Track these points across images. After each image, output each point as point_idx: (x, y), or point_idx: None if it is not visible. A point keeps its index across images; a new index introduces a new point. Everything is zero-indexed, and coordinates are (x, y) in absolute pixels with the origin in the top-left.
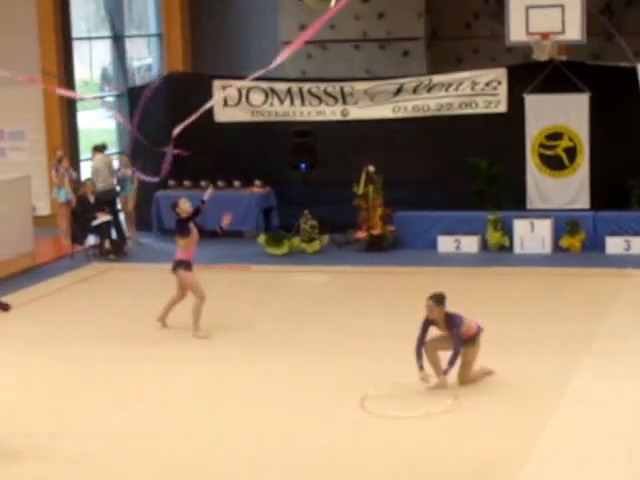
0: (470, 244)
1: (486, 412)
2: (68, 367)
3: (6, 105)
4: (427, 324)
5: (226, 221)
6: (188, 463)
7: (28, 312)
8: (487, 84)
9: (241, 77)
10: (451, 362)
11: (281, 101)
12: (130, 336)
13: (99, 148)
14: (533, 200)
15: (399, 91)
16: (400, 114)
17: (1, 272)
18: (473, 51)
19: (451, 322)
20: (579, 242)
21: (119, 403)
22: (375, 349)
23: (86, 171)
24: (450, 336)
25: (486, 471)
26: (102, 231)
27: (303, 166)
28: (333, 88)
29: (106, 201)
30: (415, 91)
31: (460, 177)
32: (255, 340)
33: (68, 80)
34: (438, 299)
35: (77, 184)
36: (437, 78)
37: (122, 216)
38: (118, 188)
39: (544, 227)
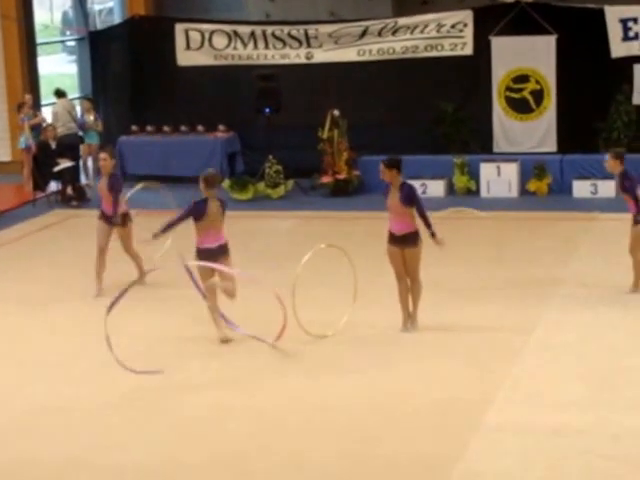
0: (436, 188)
1: (452, 358)
2: (28, 311)
3: None
4: (386, 189)
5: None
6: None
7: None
8: (453, 26)
9: (204, 20)
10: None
11: (244, 44)
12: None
13: (59, 93)
14: (500, 143)
15: (364, 34)
16: (365, 57)
17: None
18: None
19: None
20: (546, 186)
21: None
22: (334, 294)
23: (48, 117)
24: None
25: (452, 414)
26: (64, 177)
27: (267, 110)
28: (297, 31)
29: (68, 146)
30: (380, 34)
31: (426, 120)
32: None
33: (28, 24)
34: (389, 162)
35: (40, 129)
36: (402, 20)
37: (83, 163)
38: (81, 133)
39: (511, 171)
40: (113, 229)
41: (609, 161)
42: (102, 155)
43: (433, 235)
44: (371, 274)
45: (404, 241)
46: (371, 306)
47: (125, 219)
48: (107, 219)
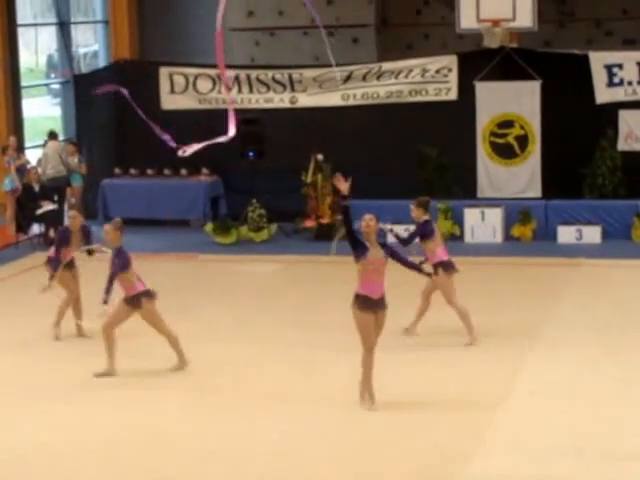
0: None
1: (433, 406)
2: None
3: None
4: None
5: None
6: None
7: None
8: (437, 71)
9: (188, 64)
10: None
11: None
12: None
13: (51, 135)
14: (484, 189)
15: (348, 78)
16: (349, 102)
17: None
18: (424, 37)
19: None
20: (530, 231)
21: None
22: (317, 339)
23: (33, 159)
24: None
25: (434, 463)
26: (47, 220)
27: (251, 154)
28: (282, 75)
29: (54, 189)
30: (364, 78)
31: (410, 165)
32: (200, 330)
33: (13, 67)
34: (419, 202)
35: (24, 171)
36: (387, 65)
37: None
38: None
39: (495, 216)
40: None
41: (413, 209)
42: (71, 213)
43: (429, 274)
44: None
45: (380, 303)
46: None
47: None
48: (70, 265)
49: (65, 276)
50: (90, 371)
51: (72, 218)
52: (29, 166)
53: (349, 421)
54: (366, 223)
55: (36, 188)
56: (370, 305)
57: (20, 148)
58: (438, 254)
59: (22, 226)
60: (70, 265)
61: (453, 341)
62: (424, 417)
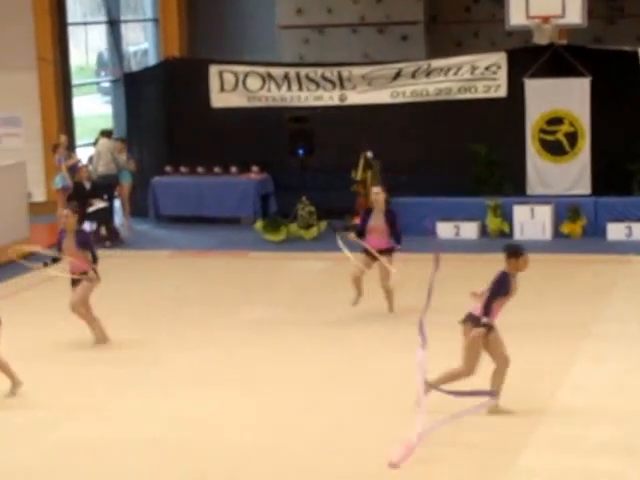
0: (469, 230)
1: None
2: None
3: (1, 91)
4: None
5: None
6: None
7: (23, 299)
8: (487, 68)
9: (238, 62)
10: None
11: (278, 86)
12: (127, 322)
13: (105, 133)
14: (533, 186)
15: (397, 76)
16: (398, 99)
17: None
18: (473, 35)
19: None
20: (580, 228)
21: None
22: (370, 337)
23: (84, 157)
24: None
25: (486, 457)
26: (98, 218)
27: (301, 152)
28: (331, 73)
29: (105, 186)
30: (414, 76)
31: (459, 162)
32: (248, 327)
33: (64, 66)
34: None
35: (75, 170)
36: (436, 63)
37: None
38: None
39: (544, 213)
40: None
41: (379, 194)
42: (65, 212)
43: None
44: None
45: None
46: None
47: (86, 276)
48: (76, 279)
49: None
50: (132, 372)
51: (65, 217)
52: (79, 164)
53: (398, 420)
54: None
55: (87, 186)
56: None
57: (70, 146)
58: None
59: None
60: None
61: (507, 336)
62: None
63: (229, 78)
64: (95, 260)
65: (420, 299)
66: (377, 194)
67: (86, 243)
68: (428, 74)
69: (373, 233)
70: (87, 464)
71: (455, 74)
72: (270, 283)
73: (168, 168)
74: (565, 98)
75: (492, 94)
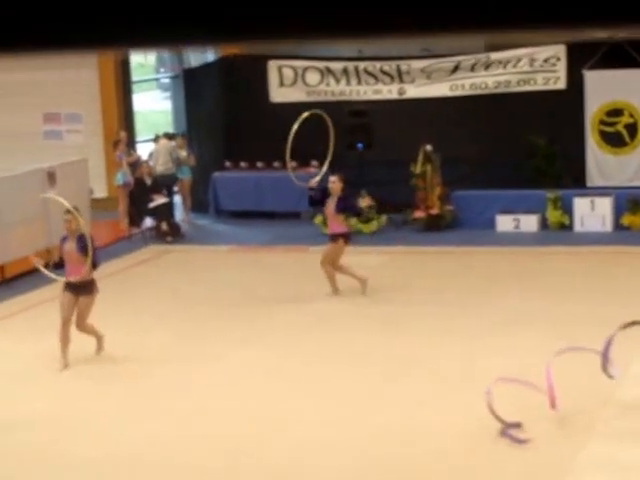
0: (529, 223)
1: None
2: (131, 352)
3: (62, 88)
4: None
5: None
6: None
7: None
8: (546, 60)
9: (297, 56)
10: None
11: (337, 80)
12: (189, 318)
13: (167, 135)
14: (593, 178)
15: (456, 69)
16: (458, 92)
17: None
18: None
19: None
20: None
21: (171, 384)
22: (428, 329)
23: (144, 153)
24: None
25: (544, 452)
26: (159, 213)
27: (360, 146)
28: (389, 67)
29: (164, 184)
30: (473, 69)
31: (519, 155)
32: (312, 320)
33: (123, 62)
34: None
35: (136, 166)
36: (495, 55)
37: (177, 199)
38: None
39: (604, 205)
40: (79, 298)
41: (336, 182)
42: (66, 217)
43: None
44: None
45: None
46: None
47: (92, 287)
48: (73, 288)
49: (65, 295)
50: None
51: (67, 221)
52: (141, 160)
53: (470, 415)
54: None
55: (148, 182)
56: None
57: (131, 143)
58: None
59: (135, 220)
60: (75, 286)
61: (567, 329)
62: (535, 409)
63: (288, 73)
64: (95, 266)
65: (478, 290)
66: (333, 182)
67: (87, 248)
68: (487, 67)
69: (328, 219)
70: (152, 458)
71: (514, 66)
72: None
73: (228, 163)
74: (625, 89)
75: (551, 86)
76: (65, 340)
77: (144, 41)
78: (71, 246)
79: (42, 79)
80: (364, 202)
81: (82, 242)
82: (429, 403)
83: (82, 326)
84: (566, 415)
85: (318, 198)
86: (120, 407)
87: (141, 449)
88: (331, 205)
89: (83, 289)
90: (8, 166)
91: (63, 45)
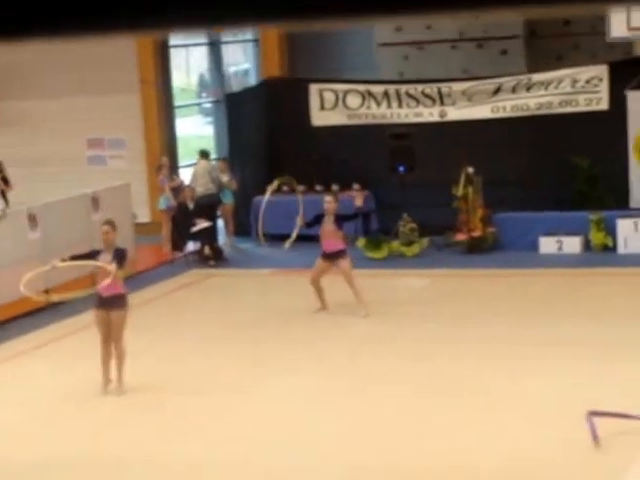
0: (572, 245)
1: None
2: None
3: (106, 114)
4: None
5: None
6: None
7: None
8: (588, 81)
9: (337, 80)
10: None
11: (378, 103)
12: (233, 342)
13: (203, 154)
14: (636, 198)
15: (498, 91)
16: (499, 114)
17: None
18: (573, 47)
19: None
20: None
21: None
22: (473, 352)
23: (186, 178)
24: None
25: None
26: (202, 237)
27: (401, 169)
28: (430, 89)
29: (206, 207)
30: (514, 90)
31: (561, 177)
32: (356, 343)
33: (166, 88)
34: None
35: (179, 191)
36: (536, 76)
37: (220, 223)
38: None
39: None
40: (110, 313)
41: (331, 202)
42: (104, 228)
43: None
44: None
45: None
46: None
47: (123, 301)
48: (104, 303)
49: (99, 313)
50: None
51: (105, 233)
52: (183, 185)
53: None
54: None
55: (190, 206)
56: None
57: (173, 167)
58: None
59: (177, 244)
60: (106, 301)
61: (609, 350)
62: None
63: (329, 96)
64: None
65: (521, 313)
66: (329, 202)
67: (123, 260)
68: (529, 88)
69: (326, 238)
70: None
71: (556, 87)
72: (373, 300)
73: (268, 187)
74: None
75: (594, 107)
76: (106, 358)
77: (181, 22)
78: (106, 259)
79: (85, 105)
80: (358, 201)
81: (118, 255)
82: (479, 426)
83: (117, 344)
84: None
85: (312, 222)
86: (165, 434)
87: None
88: (328, 224)
89: (114, 303)
90: (54, 192)
91: (99, 27)
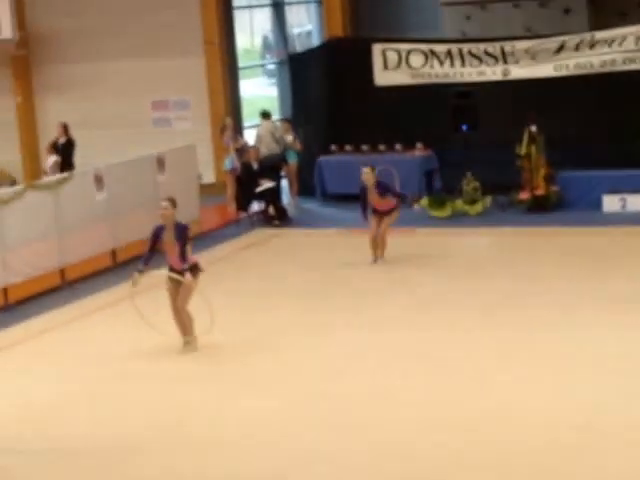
0: (636, 203)
1: None
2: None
3: (170, 76)
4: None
5: None
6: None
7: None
8: None
9: (400, 39)
10: None
11: (441, 63)
12: (299, 300)
13: (264, 115)
14: None
15: (561, 49)
16: (562, 72)
17: None
18: (637, 4)
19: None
20: None
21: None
22: (537, 313)
23: (250, 139)
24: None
25: None
26: (266, 197)
27: (464, 128)
28: (493, 48)
29: (270, 167)
30: (577, 48)
31: (625, 135)
32: (419, 302)
33: (230, 49)
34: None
35: (243, 151)
36: (600, 34)
37: (284, 183)
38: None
39: None
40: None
41: (368, 173)
42: (163, 204)
43: None
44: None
45: None
46: None
47: (196, 271)
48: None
49: (169, 284)
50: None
51: (164, 209)
52: (248, 146)
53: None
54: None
55: (255, 167)
56: None
57: (237, 128)
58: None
59: (242, 204)
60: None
61: None
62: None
63: (392, 56)
64: (184, 259)
65: (585, 271)
66: (367, 174)
67: (185, 236)
68: (592, 46)
69: (376, 204)
70: (262, 438)
71: (619, 45)
72: (438, 258)
73: (333, 147)
74: None
75: None
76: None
77: None
78: (169, 236)
79: (150, 67)
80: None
81: (179, 230)
82: (540, 384)
83: (181, 308)
84: None
85: (363, 205)
86: (237, 389)
87: (253, 429)
88: (372, 194)
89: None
90: (120, 153)
91: None
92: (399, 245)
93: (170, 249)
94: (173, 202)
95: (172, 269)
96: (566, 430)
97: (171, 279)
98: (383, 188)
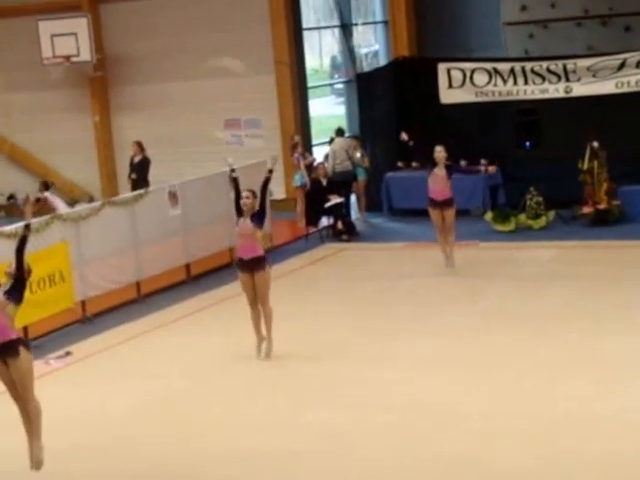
0: None
1: None
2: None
3: (242, 95)
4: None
5: None
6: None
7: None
8: None
9: (465, 59)
10: None
11: (504, 81)
12: (367, 313)
13: (339, 132)
14: None
15: (622, 66)
16: (623, 89)
17: None
18: None
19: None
20: None
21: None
22: (602, 324)
23: (319, 156)
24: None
25: None
26: (335, 212)
27: (527, 144)
28: (556, 66)
29: (342, 183)
30: (638, 65)
31: None
32: (483, 315)
33: (299, 69)
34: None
35: (312, 168)
36: None
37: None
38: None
39: None
40: (254, 275)
41: (441, 152)
42: (245, 193)
43: None
44: None
45: None
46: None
47: (264, 262)
48: (246, 265)
49: (243, 277)
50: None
51: (246, 198)
52: (316, 162)
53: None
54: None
55: (324, 182)
56: None
57: (307, 146)
58: None
59: (312, 219)
60: (248, 263)
61: None
62: None
63: (457, 75)
64: (260, 225)
65: None
66: (439, 152)
67: (261, 222)
68: None
69: (434, 183)
70: (329, 448)
71: None
72: (502, 272)
73: (400, 163)
74: None
75: None
76: (256, 319)
77: None
78: (245, 222)
79: (223, 87)
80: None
81: (257, 217)
82: (605, 395)
83: (263, 304)
84: None
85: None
86: (303, 399)
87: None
88: (440, 170)
89: (256, 265)
90: (196, 170)
91: None
92: (462, 257)
93: (243, 236)
94: (254, 193)
95: (241, 260)
96: None
97: (243, 270)
98: (451, 171)
